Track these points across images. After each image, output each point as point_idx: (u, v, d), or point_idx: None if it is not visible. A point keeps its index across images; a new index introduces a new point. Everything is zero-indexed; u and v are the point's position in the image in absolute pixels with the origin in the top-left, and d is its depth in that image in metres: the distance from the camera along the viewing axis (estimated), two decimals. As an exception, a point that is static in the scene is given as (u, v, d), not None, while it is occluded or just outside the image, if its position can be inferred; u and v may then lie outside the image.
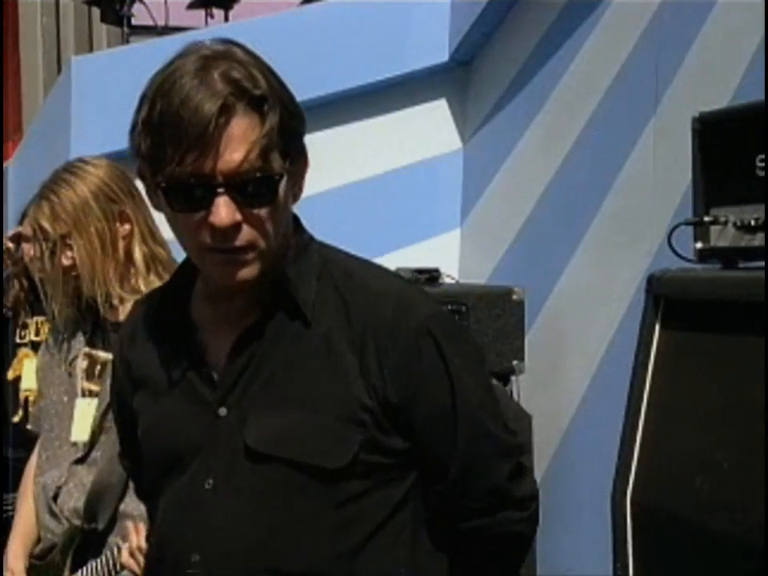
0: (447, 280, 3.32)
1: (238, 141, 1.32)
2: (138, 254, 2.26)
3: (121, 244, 2.25)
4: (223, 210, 1.33)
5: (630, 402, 1.85)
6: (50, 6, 8.38)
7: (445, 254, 3.95)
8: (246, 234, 1.36)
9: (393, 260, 3.52)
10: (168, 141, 1.32)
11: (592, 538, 2.65)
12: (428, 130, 4.12)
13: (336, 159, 4.05)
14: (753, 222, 1.72)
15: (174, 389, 1.49)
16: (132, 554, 2.05)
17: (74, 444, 2.30)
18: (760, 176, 1.70)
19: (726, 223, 1.78)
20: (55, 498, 2.30)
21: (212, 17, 6.34)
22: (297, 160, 1.40)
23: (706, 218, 1.81)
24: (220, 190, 1.33)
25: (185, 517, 1.45)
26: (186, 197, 1.35)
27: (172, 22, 6.53)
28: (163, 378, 1.50)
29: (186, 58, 1.36)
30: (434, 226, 4.09)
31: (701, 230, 1.83)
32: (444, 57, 4.05)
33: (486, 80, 4.01)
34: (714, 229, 1.81)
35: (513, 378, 3.17)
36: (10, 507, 2.93)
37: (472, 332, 3.08)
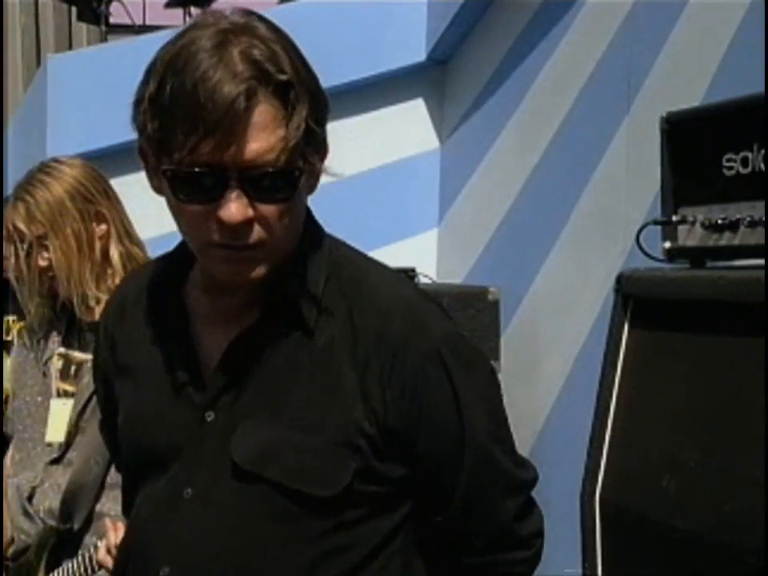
0: (424, 280, 3.31)
1: (259, 130, 1.19)
2: (114, 255, 2.25)
3: (97, 244, 2.24)
4: (234, 205, 1.20)
5: (599, 401, 1.86)
6: (28, 6, 8.34)
7: (422, 254, 3.95)
8: (258, 231, 1.23)
9: (369, 260, 3.52)
10: (180, 124, 1.18)
11: (566, 540, 2.66)
12: (405, 129, 4.12)
13: (313, 159, 4.04)
14: (720, 222, 1.73)
15: (159, 381, 1.37)
16: (109, 552, 2.04)
17: (49, 445, 2.29)
18: (728, 175, 1.71)
19: (693, 223, 1.78)
20: (30, 498, 2.29)
21: (190, 15, 6.32)
22: (318, 150, 1.27)
23: (674, 218, 1.81)
24: (233, 182, 1.20)
25: (160, 526, 1.35)
26: (194, 187, 1.22)
27: (150, 21, 6.52)
28: (149, 367, 1.38)
29: (203, 31, 1.22)
30: (412, 226, 4.09)
31: (669, 229, 1.83)
32: (421, 56, 4.05)
33: (462, 79, 4.01)
34: (682, 228, 1.81)
35: (488, 377, 3.16)
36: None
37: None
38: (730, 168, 1.70)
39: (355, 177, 4.09)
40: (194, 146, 1.18)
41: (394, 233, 4.06)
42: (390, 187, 4.09)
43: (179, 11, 6.35)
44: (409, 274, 3.26)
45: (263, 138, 1.19)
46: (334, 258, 1.35)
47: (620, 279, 1.87)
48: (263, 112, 1.19)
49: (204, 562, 1.31)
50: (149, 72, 1.24)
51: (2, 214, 2.31)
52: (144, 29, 6.15)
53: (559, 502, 3.05)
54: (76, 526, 2.23)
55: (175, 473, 1.34)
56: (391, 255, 3.92)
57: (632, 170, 2.87)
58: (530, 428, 3.27)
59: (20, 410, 2.37)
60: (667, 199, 1.84)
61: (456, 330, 1.37)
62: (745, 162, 1.66)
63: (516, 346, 3.30)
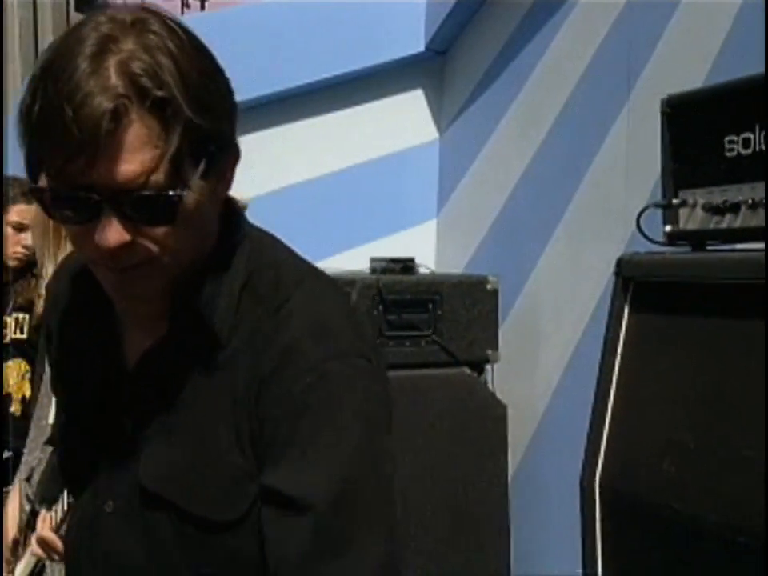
0: (422, 270, 3.31)
1: (131, 151, 1.08)
2: None
3: None
4: (108, 230, 1.11)
5: (599, 385, 1.85)
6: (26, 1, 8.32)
7: (421, 245, 3.94)
8: (141, 251, 1.14)
9: (369, 251, 3.51)
10: (46, 143, 1.09)
11: (564, 527, 2.65)
12: (404, 120, 4.11)
13: (312, 150, 4.04)
14: (721, 205, 1.72)
15: (85, 383, 1.32)
16: (39, 543, 2.04)
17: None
18: (729, 157, 1.70)
19: (694, 206, 1.78)
20: (29, 479, 2.29)
21: (188, 6, 6.30)
22: (217, 160, 1.15)
23: (675, 201, 1.81)
24: (106, 206, 1.10)
25: (87, 538, 1.31)
26: (66, 209, 1.13)
27: (148, 14, 6.48)
28: (76, 367, 1.34)
29: (88, 31, 1.11)
30: (411, 217, 4.08)
31: (670, 212, 1.83)
32: (420, 47, 4.04)
33: (461, 70, 4.00)
34: (682, 211, 1.81)
35: (487, 367, 3.16)
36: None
37: (446, 321, 3.08)
38: (732, 150, 1.69)
39: (354, 167, 4.08)
40: (62, 167, 1.09)
41: (392, 223, 4.05)
42: (388, 178, 4.08)
43: (177, 2, 6.33)
44: (407, 263, 3.25)
45: (136, 160, 1.08)
46: (253, 264, 1.25)
47: (620, 263, 1.86)
48: (136, 131, 1.08)
49: None
50: (29, 78, 1.13)
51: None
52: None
53: (558, 490, 3.06)
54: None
55: (98, 483, 1.30)
56: (390, 246, 3.94)
57: (632, 158, 2.86)
58: (529, 417, 3.26)
59: (40, 389, 2.39)
60: (668, 182, 1.83)
61: (358, 351, 1.21)
62: (746, 143, 1.66)
63: (515, 335, 3.29)
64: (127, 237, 1.11)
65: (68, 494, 1.46)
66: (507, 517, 3.11)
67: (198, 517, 1.21)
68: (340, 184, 4.07)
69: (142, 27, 1.11)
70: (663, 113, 1.83)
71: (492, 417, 3.10)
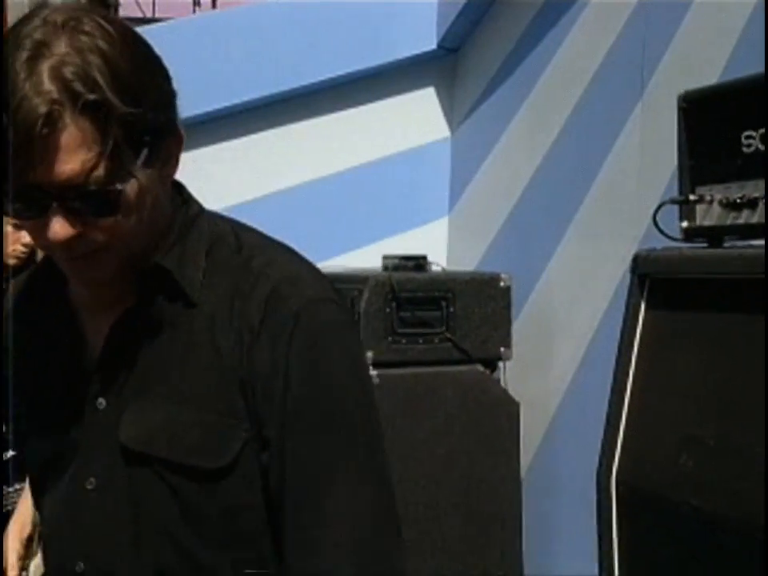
0: (435, 268, 3.31)
1: (66, 152, 1.13)
2: None
3: None
4: (56, 225, 1.17)
5: (615, 381, 1.85)
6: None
7: (433, 242, 3.94)
8: (92, 240, 1.20)
9: (381, 249, 3.52)
10: None
11: (579, 523, 2.65)
12: (416, 117, 4.11)
13: (324, 148, 4.04)
14: (738, 200, 1.72)
15: (51, 377, 1.36)
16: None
17: None
18: (746, 153, 1.70)
19: (711, 202, 1.77)
20: None
21: (199, 5, 6.32)
22: (158, 147, 1.21)
23: (692, 197, 1.80)
24: (52, 202, 1.16)
25: (69, 520, 1.33)
26: (16, 205, 1.18)
27: (159, 13, 6.51)
28: (40, 363, 1.37)
29: (26, 32, 1.16)
30: (422, 215, 4.08)
31: (686, 208, 1.82)
32: (432, 45, 4.04)
33: (473, 67, 4.00)
34: (699, 207, 1.80)
35: (500, 364, 3.16)
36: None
37: (459, 319, 3.08)
38: (749, 145, 1.69)
39: (366, 165, 4.09)
40: (4, 167, 1.14)
41: (404, 221, 4.06)
42: (400, 175, 4.08)
43: (189, 2, 6.35)
44: (419, 261, 3.25)
45: (73, 161, 1.14)
46: (214, 233, 1.33)
47: (636, 259, 1.86)
48: (71, 134, 1.13)
49: (115, 552, 1.29)
50: None
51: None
52: (154, 21, 6.15)
53: (570, 487, 3.06)
54: None
55: (77, 466, 1.32)
56: (402, 244, 3.94)
57: (646, 156, 2.85)
58: (542, 414, 3.26)
59: None
60: (684, 178, 1.83)
61: (330, 297, 1.30)
62: (764, 138, 1.65)
63: (528, 332, 3.29)
64: (75, 230, 1.18)
65: (32, 488, 1.43)
66: (519, 514, 3.11)
67: (189, 466, 1.25)
68: (352, 182, 4.07)
69: (73, 28, 1.16)
70: (680, 108, 1.83)
71: (505, 414, 3.10)
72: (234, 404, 1.25)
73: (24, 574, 2.35)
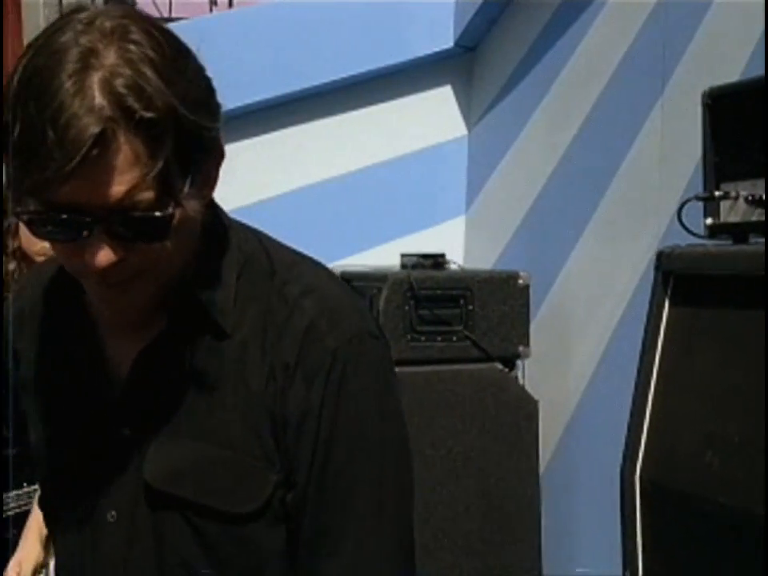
0: (452, 266, 3.31)
1: (118, 173, 1.05)
2: None
3: None
4: (97, 251, 1.08)
5: (639, 378, 1.84)
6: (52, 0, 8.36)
7: (450, 241, 3.94)
8: (132, 266, 1.12)
9: (398, 247, 3.52)
10: (31, 163, 1.04)
11: (599, 525, 2.64)
12: (433, 116, 4.10)
13: (341, 146, 4.04)
14: (764, 197, 1.71)
15: (70, 398, 1.27)
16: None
17: None
18: (771, 150, 1.69)
19: (736, 198, 1.77)
20: None
21: (215, 4, 6.32)
22: (203, 165, 1.14)
23: (717, 193, 1.80)
24: (95, 226, 1.08)
25: (85, 549, 1.27)
26: (52, 230, 1.10)
27: (176, 13, 6.52)
28: (57, 384, 1.28)
29: (68, 39, 1.06)
30: (439, 213, 4.08)
31: (711, 205, 1.82)
32: (449, 43, 4.03)
33: (491, 66, 3.99)
34: (724, 204, 1.80)
35: (518, 362, 3.15)
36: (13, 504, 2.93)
37: (477, 317, 3.07)
38: (775, 142, 1.68)
39: (383, 164, 4.09)
40: (47, 190, 1.05)
41: (421, 220, 4.05)
42: (417, 174, 4.08)
43: (205, 2, 6.36)
44: (438, 259, 3.25)
45: (124, 181, 1.06)
46: (244, 252, 1.24)
47: (660, 256, 1.85)
48: (124, 154, 1.05)
49: None
50: (8, 89, 1.08)
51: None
52: (170, 21, 6.16)
53: (589, 485, 3.05)
54: None
55: (97, 495, 1.25)
56: (419, 242, 3.94)
57: (665, 154, 2.85)
58: (561, 413, 3.26)
59: None
60: (709, 175, 1.82)
61: (369, 330, 1.23)
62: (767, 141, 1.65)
63: (546, 331, 3.28)
64: (117, 256, 1.09)
65: (46, 510, 1.37)
66: (538, 513, 3.10)
67: (216, 510, 1.19)
68: (368, 180, 4.07)
69: (122, 36, 1.07)
70: (704, 104, 1.82)
71: (523, 413, 3.09)
72: (264, 445, 1.19)
73: (44, 571, 2.36)
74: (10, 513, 2.62)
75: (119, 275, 1.12)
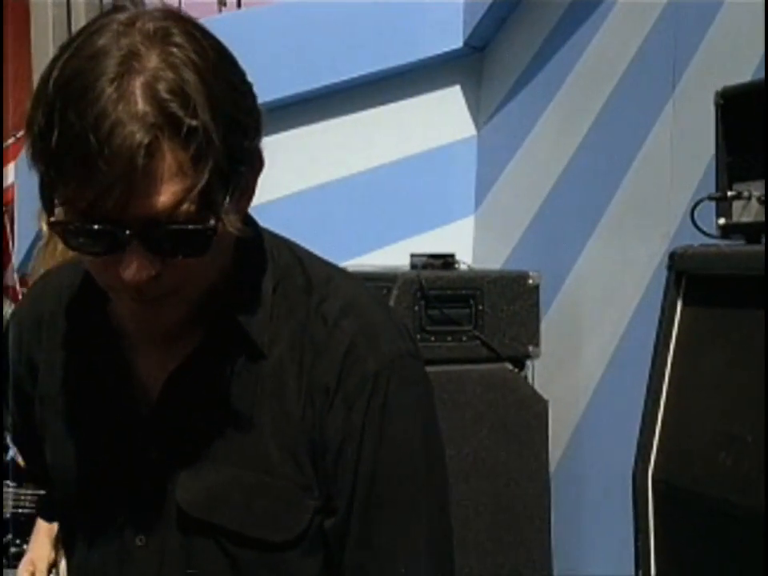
0: (462, 266, 3.31)
1: (161, 183, 1.00)
2: None
3: None
4: (136, 264, 1.03)
5: (651, 378, 1.84)
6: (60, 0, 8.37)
7: (459, 241, 3.94)
8: (169, 281, 1.07)
9: (407, 247, 3.52)
10: (69, 173, 0.99)
11: (609, 525, 2.64)
12: (442, 116, 4.10)
13: (350, 146, 4.04)
14: (764, 197, 1.71)
15: (94, 414, 1.22)
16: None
17: None
18: (784, 150, 1.69)
19: (749, 198, 1.77)
20: None
21: (224, 5, 6.32)
22: (242, 179, 1.08)
23: (730, 193, 1.79)
24: (134, 239, 1.02)
25: (109, 572, 1.22)
26: (88, 242, 1.04)
27: (185, 13, 6.51)
28: (80, 398, 1.23)
29: (108, 40, 1.01)
30: (448, 213, 4.08)
31: (723, 205, 1.82)
32: (458, 43, 4.03)
33: (500, 66, 3.99)
34: (736, 204, 1.80)
35: (528, 362, 3.15)
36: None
37: (487, 317, 3.07)
38: (788, 143, 1.68)
39: (392, 164, 4.09)
40: (86, 200, 1.00)
41: (430, 220, 4.05)
42: (426, 174, 4.08)
43: (214, 2, 6.35)
44: (447, 259, 3.25)
45: (167, 191, 1.01)
46: (279, 264, 1.20)
47: (673, 256, 1.85)
48: (168, 163, 1.00)
49: None
50: (41, 90, 1.02)
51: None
52: (178, 19, 6.14)
53: (599, 485, 3.05)
54: None
55: (123, 518, 1.20)
56: (428, 242, 3.94)
57: (676, 155, 2.84)
58: (571, 412, 3.25)
59: None
60: (721, 175, 1.82)
61: (408, 350, 1.20)
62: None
63: (557, 330, 3.28)
64: (156, 270, 1.05)
65: (64, 527, 1.34)
66: (548, 513, 3.10)
67: (253, 538, 1.16)
68: (377, 180, 4.07)
69: (164, 39, 1.03)
70: (717, 105, 1.82)
71: (533, 412, 3.09)
72: (303, 470, 1.16)
73: (54, 571, 2.37)
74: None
75: (155, 291, 1.07)
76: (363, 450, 1.15)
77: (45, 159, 1.01)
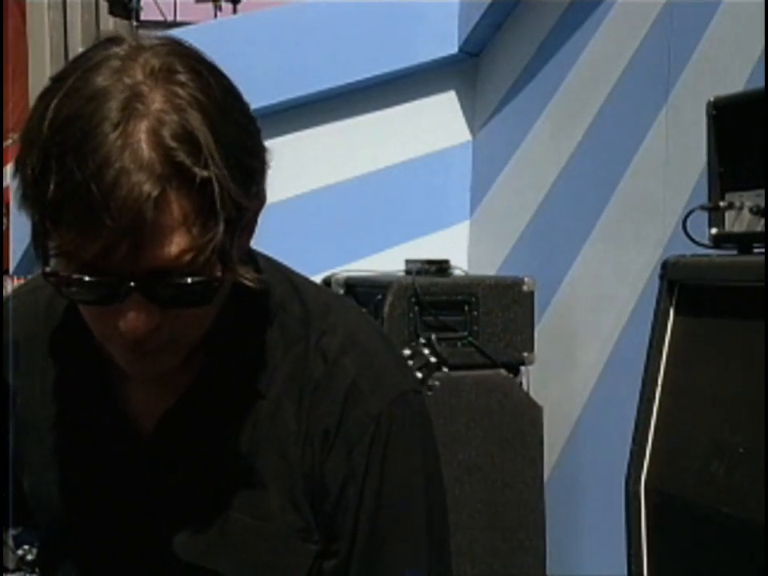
0: (456, 272, 3.31)
1: (167, 235, 0.94)
2: None
3: None
4: (135, 316, 0.97)
5: (644, 387, 1.85)
6: (57, 2, 8.37)
7: (454, 246, 3.94)
8: (167, 332, 1.01)
9: (402, 253, 3.52)
10: (69, 223, 0.92)
11: (603, 532, 2.64)
12: (437, 121, 4.10)
13: (345, 152, 4.04)
14: (764, 206, 1.71)
15: (79, 449, 1.15)
16: None
17: None
18: (776, 160, 1.69)
19: (741, 208, 1.77)
20: None
21: (220, 10, 6.33)
22: (244, 217, 1.02)
23: (722, 203, 1.80)
24: (135, 291, 0.96)
25: None
26: (85, 293, 0.98)
27: (181, 17, 6.53)
28: (62, 429, 1.16)
29: (108, 78, 0.94)
30: (443, 218, 4.08)
31: (716, 215, 1.82)
32: (453, 49, 4.03)
33: (495, 72, 4.00)
34: (729, 214, 1.80)
35: (523, 368, 3.16)
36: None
37: (482, 323, 3.08)
38: (780, 152, 1.68)
39: (387, 169, 4.09)
40: (89, 253, 0.93)
41: (425, 225, 4.05)
42: (421, 179, 4.08)
43: (210, 6, 6.36)
44: (442, 265, 3.26)
45: (175, 243, 0.95)
46: (275, 296, 1.14)
47: (665, 265, 1.86)
48: (175, 214, 0.94)
49: None
50: (31, 131, 0.94)
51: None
52: (175, 24, 6.17)
53: (593, 492, 3.05)
54: None
55: (112, 561, 1.15)
56: (423, 247, 3.94)
57: (671, 161, 2.85)
58: (565, 419, 3.26)
59: None
60: (714, 185, 1.83)
61: (410, 386, 1.18)
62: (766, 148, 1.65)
63: (551, 336, 3.28)
64: (156, 321, 0.99)
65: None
66: (543, 518, 3.10)
67: None
68: (372, 185, 4.08)
69: (168, 77, 0.96)
70: (709, 115, 1.83)
71: (528, 418, 3.10)
72: (302, 514, 1.12)
73: None
74: None
75: (153, 342, 1.00)
76: (365, 492, 1.12)
77: (40, 208, 0.94)
